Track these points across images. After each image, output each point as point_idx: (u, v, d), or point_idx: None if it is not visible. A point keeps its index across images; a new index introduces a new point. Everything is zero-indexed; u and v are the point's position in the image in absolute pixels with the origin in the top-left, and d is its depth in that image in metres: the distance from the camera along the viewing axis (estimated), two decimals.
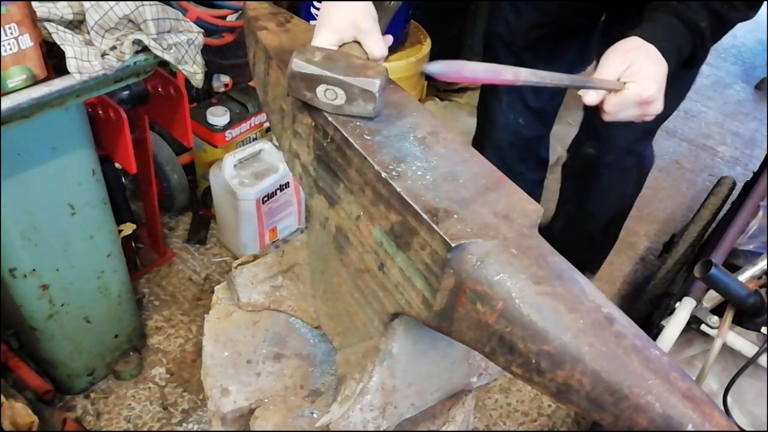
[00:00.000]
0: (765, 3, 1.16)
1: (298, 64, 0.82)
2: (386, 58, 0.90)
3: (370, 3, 0.90)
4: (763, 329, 1.18)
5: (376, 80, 0.81)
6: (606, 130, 1.47)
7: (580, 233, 1.72)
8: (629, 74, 0.91)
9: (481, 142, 1.61)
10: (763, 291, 1.18)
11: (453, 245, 0.68)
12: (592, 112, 1.51)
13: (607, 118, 0.94)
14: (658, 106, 0.93)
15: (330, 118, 0.85)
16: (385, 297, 0.86)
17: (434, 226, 0.70)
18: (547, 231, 1.29)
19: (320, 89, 0.83)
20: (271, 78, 1.01)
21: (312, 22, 0.95)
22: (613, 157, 1.50)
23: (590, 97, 0.92)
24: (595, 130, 1.52)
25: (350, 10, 0.88)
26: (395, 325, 0.88)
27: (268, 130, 2.15)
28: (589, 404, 0.65)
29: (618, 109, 0.92)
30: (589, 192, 1.63)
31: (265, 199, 1.98)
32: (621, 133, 1.46)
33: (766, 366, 1.18)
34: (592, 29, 1.44)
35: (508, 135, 1.52)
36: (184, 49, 1.24)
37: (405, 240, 0.76)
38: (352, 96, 0.82)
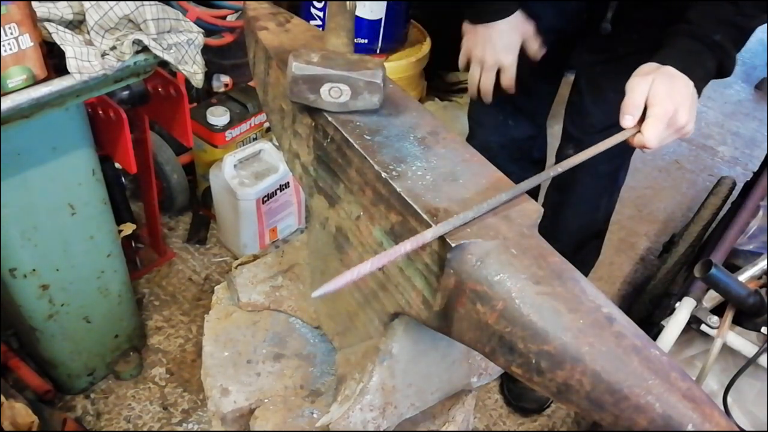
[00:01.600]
0: None
1: (299, 68, 0.82)
2: (386, 58, 0.92)
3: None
4: (763, 329, 1.18)
5: (379, 71, 0.83)
6: (584, 135, 1.48)
7: (557, 249, 1.71)
8: (649, 98, 0.94)
9: (470, 143, 1.60)
10: (763, 291, 1.18)
11: (453, 245, 0.68)
12: (571, 118, 1.52)
13: (653, 148, 0.95)
14: (684, 120, 0.94)
15: (330, 118, 0.86)
16: (385, 297, 0.86)
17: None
18: None
19: (324, 89, 0.83)
20: (271, 78, 1.01)
21: (312, 23, 0.96)
22: (590, 160, 1.50)
23: (627, 122, 0.95)
24: (572, 135, 1.52)
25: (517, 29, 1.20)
26: (395, 325, 0.88)
27: (268, 130, 2.16)
28: (589, 404, 0.64)
29: (655, 138, 0.93)
30: (565, 200, 1.62)
31: (265, 199, 1.98)
32: (596, 137, 1.47)
33: (766, 366, 1.18)
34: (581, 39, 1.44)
35: (498, 136, 1.50)
36: (184, 49, 1.24)
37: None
38: (358, 90, 0.83)
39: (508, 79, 1.27)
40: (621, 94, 1.37)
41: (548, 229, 1.76)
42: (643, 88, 0.94)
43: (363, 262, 0.65)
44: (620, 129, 1.45)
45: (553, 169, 0.84)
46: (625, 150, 1.49)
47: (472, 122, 1.56)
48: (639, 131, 0.94)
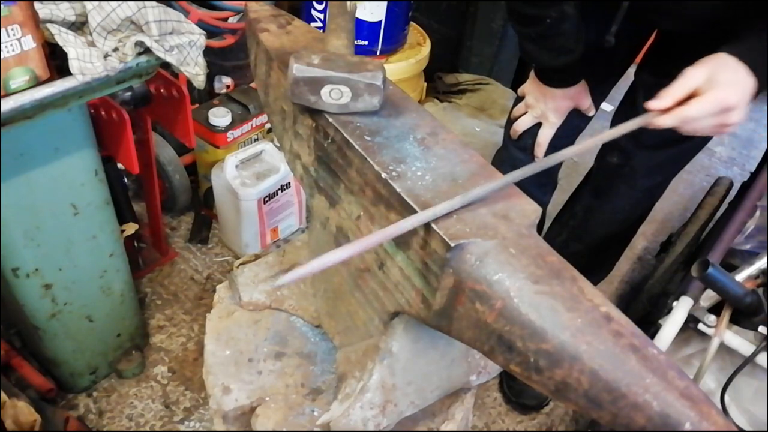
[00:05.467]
0: None
1: (300, 69, 0.83)
2: (386, 60, 0.92)
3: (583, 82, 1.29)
4: (761, 328, 1.18)
5: (379, 73, 0.83)
6: (634, 148, 1.46)
7: (580, 250, 1.72)
8: (708, 84, 0.87)
9: (501, 154, 1.60)
10: (760, 290, 1.18)
11: (452, 245, 0.69)
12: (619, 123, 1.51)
13: (685, 129, 0.89)
14: (739, 116, 0.88)
15: (331, 120, 0.86)
16: (385, 296, 0.86)
17: (433, 225, 0.71)
18: None
19: (325, 90, 0.84)
20: (273, 79, 1.02)
21: (312, 24, 0.97)
22: (631, 170, 1.49)
23: (658, 103, 0.86)
24: (620, 145, 1.49)
25: (572, 98, 1.31)
26: (395, 324, 0.88)
27: (270, 131, 2.16)
28: (587, 402, 0.65)
29: (695, 114, 0.86)
30: (599, 206, 1.62)
31: (267, 199, 1.98)
32: (646, 154, 1.46)
33: (764, 365, 1.19)
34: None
35: (526, 155, 1.50)
36: (186, 50, 1.25)
37: (405, 239, 0.77)
38: (358, 92, 0.84)
39: (543, 136, 1.38)
40: None
41: (576, 230, 1.77)
42: (695, 78, 0.86)
43: (332, 251, 0.66)
44: (675, 147, 1.42)
45: (544, 161, 0.82)
46: (667, 168, 1.50)
47: (506, 137, 1.55)
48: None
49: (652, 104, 0.87)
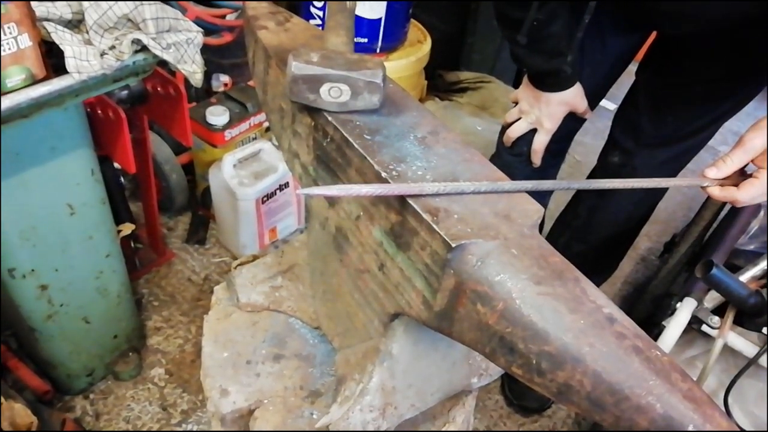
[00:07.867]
0: None
1: (298, 67, 0.82)
2: (386, 58, 0.91)
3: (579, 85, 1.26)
4: (764, 330, 1.18)
5: (379, 71, 0.82)
6: (635, 147, 1.45)
7: (583, 250, 1.71)
8: (761, 158, 0.89)
9: (494, 162, 1.56)
10: (764, 291, 1.17)
11: (453, 245, 0.68)
12: (622, 128, 1.49)
13: (741, 204, 0.92)
14: None
15: (330, 118, 0.85)
16: (385, 297, 0.85)
17: (434, 226, 0.70)
18: None
19: (324, 88, 0.83)
20: (271, 77, 1.01)
21: (311, 22, 0.96)
22: (632, 170, 1.47)
23: (716, 192, 0.90)
24: (621, 144, 1.49)
25: (567, 103, 1.28)
26: (395, 326, 0.87)
27: (268, 129, 2.15)
28: (589, 405, 0.64)
29: (751, 198, 0.90)
30: (603, 206, 1.61)
31: (265, 199, 1.97)
32: (647, 153, 1.44)
33: (766, 366, 1.18)
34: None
35: (521, 162, 1.47)
36: (183, 48, 1.24)
37: (405, 240, 0.76)
38: (358, 90, 0.83)
39: (538, 143, 1.35)
40: (680, 120, 1.35)
41: (580, 230, 1.76)
42: (758, 143, 0.89)
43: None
44: (676, 145, 1.41)
45: (577, 182, 0.83)
46: (669, 166, 1.48)
47: (499, 144, 1.53)
48: (733, 185, 0.90)
49: (709, 172, 0.89)
